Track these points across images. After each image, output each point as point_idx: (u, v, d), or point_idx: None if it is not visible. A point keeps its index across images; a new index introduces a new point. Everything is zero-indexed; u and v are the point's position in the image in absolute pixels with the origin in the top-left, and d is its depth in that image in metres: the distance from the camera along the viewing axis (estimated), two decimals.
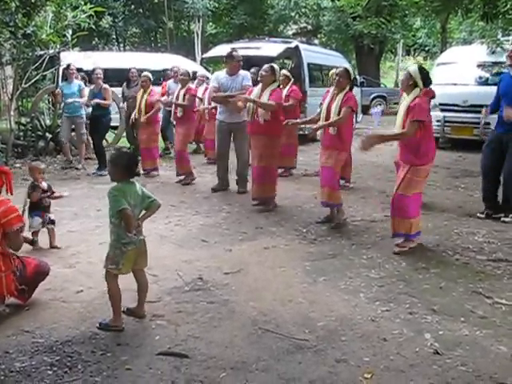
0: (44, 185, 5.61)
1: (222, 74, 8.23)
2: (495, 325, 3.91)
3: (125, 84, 10.90)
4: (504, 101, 6.54)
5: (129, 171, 3.79)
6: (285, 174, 9.41)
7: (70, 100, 10.01)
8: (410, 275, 4.86)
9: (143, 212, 3.90)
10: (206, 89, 9.90)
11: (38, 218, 5.44)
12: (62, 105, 10.47)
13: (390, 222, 5.63)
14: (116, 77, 11.43)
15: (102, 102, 9.51)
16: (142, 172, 9.23)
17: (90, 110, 9.99)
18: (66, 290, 4.46)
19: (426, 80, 5.36)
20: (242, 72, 8.03)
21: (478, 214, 6.78)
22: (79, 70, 11.48)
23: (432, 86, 5.49)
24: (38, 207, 5.47)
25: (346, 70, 6.32)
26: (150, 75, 9.46)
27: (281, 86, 7.54)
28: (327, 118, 6.27)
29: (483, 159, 6.88)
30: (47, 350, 3.50)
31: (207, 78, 10.95)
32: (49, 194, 5.60)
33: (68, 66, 10.48)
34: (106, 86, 9.73)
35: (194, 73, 10.66)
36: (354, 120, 8.51)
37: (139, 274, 4.01)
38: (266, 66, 7.03)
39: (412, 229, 5.48)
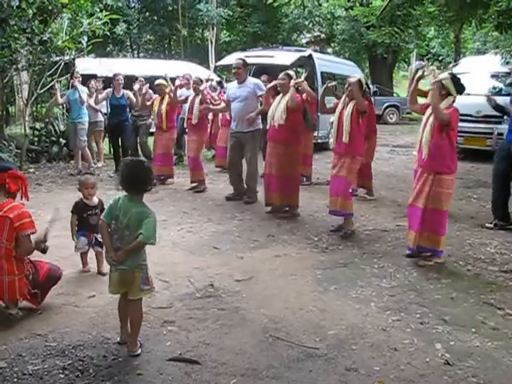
0: (94, 200, 5.02)
1: (231, 85, 8.36)
2: (507, 336, 3.89)
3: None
4: None
5: (129, 185, 3.52)
6: (307, 182, 9.45)
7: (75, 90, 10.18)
8: (422, 285, 4.85)
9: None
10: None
11: (83, 238, 4.97)
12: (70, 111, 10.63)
13: (413, 235, 5.45)
14: (130, 83, 11.50)
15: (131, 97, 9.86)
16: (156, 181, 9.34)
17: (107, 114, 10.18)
18: (79, 295, 4.50)
19: (460, 88, 5.29)
20: (251, 80, 8.08)
21: (487, 224, 6.76)
22: (93, 76, 11.62)
23: None
24: (84, 226, 4.97)
25: (358, 80, 6.34)
26: (165, 82, 9.52)
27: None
28: (339, 125, 6.29)
29: (493, 169, 6.88)
30: (59, 353, 3.53)
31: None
32: (97, 211, 4.96)
33: (72, 73, 10.59)
34: (128, 91, 10.00)
35: (207, 80, 10.67)
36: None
37: (128, 302, 3.63)
38: (282, 75, 7.08)
39: (440, 245, 5.41)
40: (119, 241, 3.51)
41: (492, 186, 6.91)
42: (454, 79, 5.29)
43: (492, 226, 6.70)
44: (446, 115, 5.14)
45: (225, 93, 8.94)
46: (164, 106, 9.31)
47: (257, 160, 8.19)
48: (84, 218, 4.97)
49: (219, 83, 11.45)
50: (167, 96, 9.33)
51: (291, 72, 7.22)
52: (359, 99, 6.16)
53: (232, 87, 8.16)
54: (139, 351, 3.57)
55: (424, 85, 5.77)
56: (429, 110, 5.41)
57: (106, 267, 5.06)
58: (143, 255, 3.60)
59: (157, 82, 9.51)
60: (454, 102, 5.32)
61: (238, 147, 8.09)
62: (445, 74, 5.43)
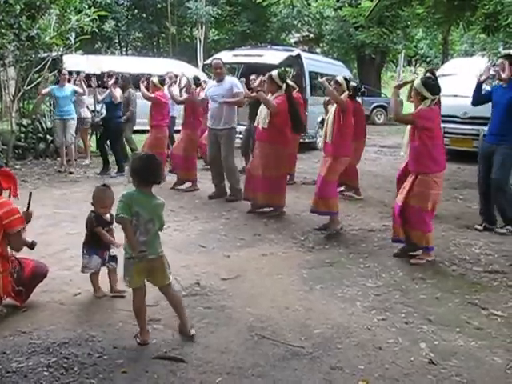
0: (107, 216, 4.51)
1: (211, 83, 8.44)
2: (490, 336, 3.92)
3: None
4: (495, 109, 6.65)
5: (141, 177, 3.63)
6: (290, 181, 9.43)
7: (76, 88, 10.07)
8: (407, 285, 4.88)
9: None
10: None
11: (96, 256, 4.42)
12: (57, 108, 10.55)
13: (396, 228, 5.58)
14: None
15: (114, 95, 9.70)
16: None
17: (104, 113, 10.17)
18: (64, 293, 4.48)
19: (433, 89, 5.36)
20: (228, 79, 8.13)
21: (476, 226, 6.80)
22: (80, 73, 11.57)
23: None
24: (97, 243, 4.44)
25: (336, 80, 6.43)
26: (156, 80, 9.48)
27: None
28: (326, 125, 6.36)
29: (478, 171, 6.95)
30: (44, 351, 3.51)
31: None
32: (110, 226, 4.50)
33: (60, 70, 10.53)
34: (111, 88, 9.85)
35: (196, 78, 10.58)
36: None
37: (163, 290, 3.81)
38: (266, 77, 7.11)
39: (429, 242, 5.50)
40: (144, 235, 3.61)
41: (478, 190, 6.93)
42: (426, 81, 5.39)
43: (481, 228, 6.72)
44: (407, 116, 5.40)
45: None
46: (150, 105, 9.30)
47: (233, 157, 8.18)
48: (96, 234, 4.43)
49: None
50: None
51: (274, 73, 7.13)
52: (334, 96, 6.23)
53: (211, 86, 8.24)
54: (193, 331, 3.77)
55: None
56: None
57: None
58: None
59: (151, 79, 9.48)
60: (436, 103, 5.41)
61: (215, 144, 8.15)
62: (417, 80, 5.53)
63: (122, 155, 10.07)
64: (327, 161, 6.34)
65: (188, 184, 8.97)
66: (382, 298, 4.57)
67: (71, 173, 9.98)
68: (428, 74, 5.93)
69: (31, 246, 4.22)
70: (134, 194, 3.63)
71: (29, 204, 4.23)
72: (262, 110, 7.00)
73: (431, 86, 5.37)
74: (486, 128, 10.84)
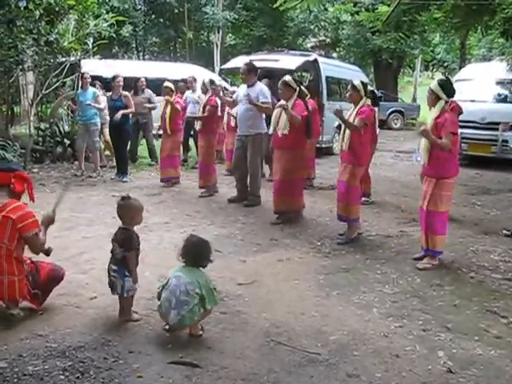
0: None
1: (242, 87, 8.41)
2: (510, 345, 3.86)
3: (132, 92, 10.87)
4: None
5: (191, 259, 3.88)
6: (308, 185, 9.38)
7: (88, 102, 10.09)
8: (425, 292, 4.83)
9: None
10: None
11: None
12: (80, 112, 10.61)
13: (423, 236, 5.54)
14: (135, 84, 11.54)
15: (127, 111, 9.60)
16: (161, 184, 9.36)
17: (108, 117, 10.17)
18: (80, 296, 4.49)
19: (449, 91, 5.35)
20: (259, 84, 8.05)
21: (504, 232, 6.78)
22: (97, 77, 11.63)
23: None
24: (137, 263, 4.15)
25: (353, 85, 6.34)
26: (171, 85, 9.50)
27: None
28: (344, 132, 6.30)
29: None
30: (60, 354, 3.51)
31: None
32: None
33: (83, 74, 10.59)
34: (126, 92, 9.80)
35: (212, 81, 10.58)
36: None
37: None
38: (279, 83, 7.03)
39: (438, 246, 5.46)
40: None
41: None
42: (443, 84, 5.38)
43: (510, 233, 6.71)
44: (445, 143, 5.21)
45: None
46: (168, 110, 9.28)
47: (258, 163, 8.15)
48: (137, 254, 4.13)
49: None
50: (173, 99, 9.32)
51: (287, 78, 7.04)
52: (353, 127, 6.16)
53: (242, 89, 8.19)
54: (200, 332, 3.86)
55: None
56: (428, 119, 5.48)
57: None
58: None
59: (164, 84, 9.50)
60: (449, 104, 5.39)
61: (241, 150, 8.09)
62: (433, 81, 5.52)
63: (127, 158, 10.13)
64: (346, 167, 6.25)
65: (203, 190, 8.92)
66: (399, 305, 4.53)
67: (91, 176, 10.03)
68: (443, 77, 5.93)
69: (47, 252, 4.22)
70: (178, 268, 3.89)
71: (56, 204, 4.25)
72: (282, 117, 6.89)
73: (448, 88, 5.36)
74: (504, 133, 10.85)
